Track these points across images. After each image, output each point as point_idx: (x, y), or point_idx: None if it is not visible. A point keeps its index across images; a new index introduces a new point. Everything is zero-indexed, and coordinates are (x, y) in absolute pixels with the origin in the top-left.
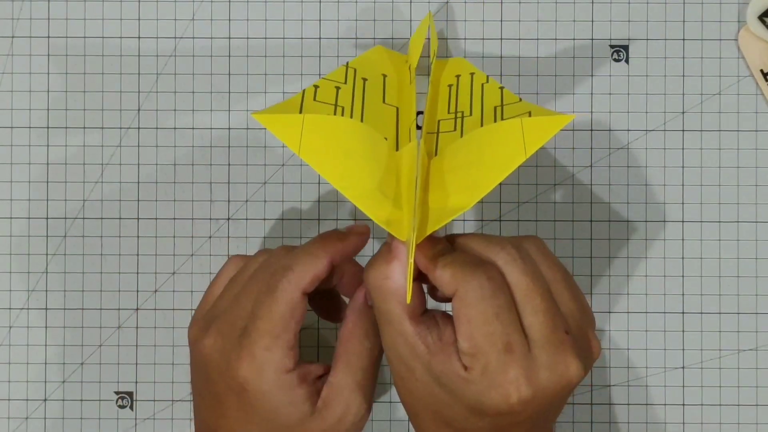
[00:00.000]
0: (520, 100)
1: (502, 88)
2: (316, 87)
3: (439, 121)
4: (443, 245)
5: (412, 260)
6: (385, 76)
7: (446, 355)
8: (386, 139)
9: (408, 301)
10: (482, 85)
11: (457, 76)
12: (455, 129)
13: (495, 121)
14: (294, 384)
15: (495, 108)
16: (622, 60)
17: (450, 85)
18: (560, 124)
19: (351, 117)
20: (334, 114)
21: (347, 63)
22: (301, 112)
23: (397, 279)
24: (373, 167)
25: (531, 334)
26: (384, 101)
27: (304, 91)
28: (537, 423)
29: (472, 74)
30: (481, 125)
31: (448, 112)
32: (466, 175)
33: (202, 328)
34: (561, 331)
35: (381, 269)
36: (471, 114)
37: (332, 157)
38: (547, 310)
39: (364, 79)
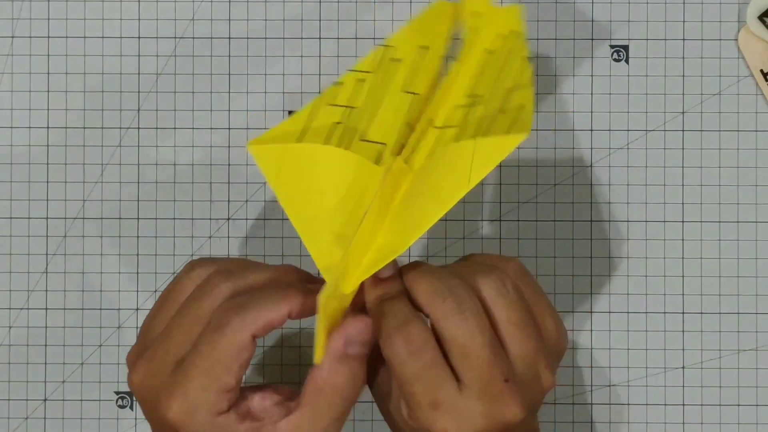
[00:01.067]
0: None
1: (527, 62)
2: (340, 84)
3: (446, 108)
4: (386, 290)
5: (321, 326)
6: (426, 48)
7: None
8: (383, 144)
9: (317, 361)
10: (514, 57)
11: (504, 38)
12: (457, 125)
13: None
14: (231, 423)
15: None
16: (622, 60)
17: (490, 52)
18: (512, 144)
19: (361, 118)
20: (338, 122)
21: (385, 42)
22: (304, 128)
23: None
24: (341, 207)
25: (467, 383)
26: (406, 89)
27: (324, 92)
28: None
29: (514, 35)
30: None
31: (468, 96)
32: (409, 207)
33: (133, 359)
34: (499, 381)
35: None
36: (482, 103)
37: (304, 191)
38: (482, 365)
39: (396, 61)
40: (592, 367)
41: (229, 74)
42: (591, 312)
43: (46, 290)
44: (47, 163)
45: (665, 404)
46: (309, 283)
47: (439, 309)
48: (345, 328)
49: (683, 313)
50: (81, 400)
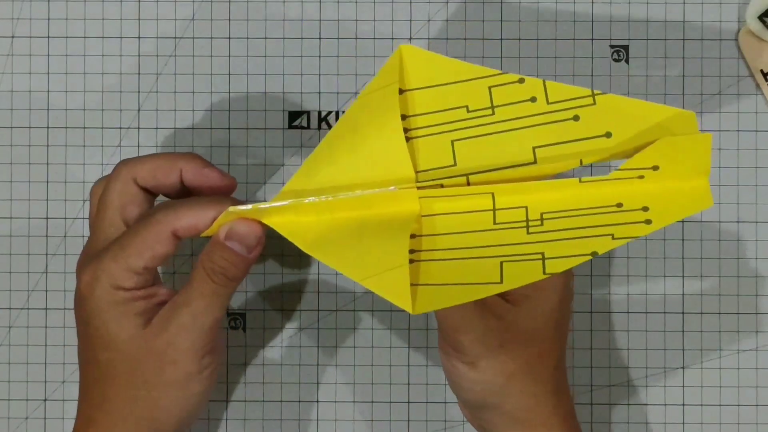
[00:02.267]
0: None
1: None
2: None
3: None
4: None
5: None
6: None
7: None
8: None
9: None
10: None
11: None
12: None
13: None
14: (127, 299)
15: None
16: (622, 60)
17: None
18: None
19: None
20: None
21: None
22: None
23: None
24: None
25: None
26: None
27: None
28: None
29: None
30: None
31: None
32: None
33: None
34: None
35: None
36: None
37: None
38: None
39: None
40: (592, 367)
41: (229, 74)
42: (591, 312)
43: (46, 290)
44: (47, 163)
45: (665, 404)
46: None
47: None
48: (234, 223)
49: (683, 313)
50: None
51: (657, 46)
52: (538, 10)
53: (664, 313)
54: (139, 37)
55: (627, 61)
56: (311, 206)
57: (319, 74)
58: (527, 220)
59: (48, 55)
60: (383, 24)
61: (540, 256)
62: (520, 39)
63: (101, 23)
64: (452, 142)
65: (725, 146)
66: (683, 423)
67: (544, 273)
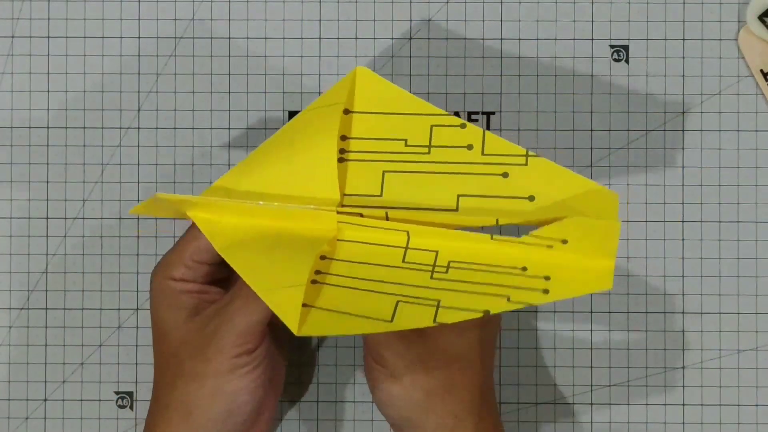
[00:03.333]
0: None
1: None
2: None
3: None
4: None
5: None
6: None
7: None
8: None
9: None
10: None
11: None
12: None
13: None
14: (176, 291)
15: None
16: (622, 60)
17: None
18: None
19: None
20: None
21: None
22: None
23: None
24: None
25: None
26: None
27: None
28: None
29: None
30: None
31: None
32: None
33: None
34: None
35: None
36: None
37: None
38: None
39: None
40: (592, 367)
41: (229, 74)
42: (591, 312)
43: (46, 290)
44: (47, 163)
45: (665, 404)
46: None
47: None
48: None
49: (683, 313)
50: (81, 400)
51: (657, 46)
52: (538, 10)
53: (664, 313)
54: (139, 37)
55: (627, 61)
56: (235, 207)
57: (319, 74)
58: (434, 265)
59: (48, 55)
60: (383, 24)
61: (435, 304)
62: (520, 39)
63: (101, 23)
64: (384, 172)
65: (725, 146)
66: (683, 423)
67: (435, 321)
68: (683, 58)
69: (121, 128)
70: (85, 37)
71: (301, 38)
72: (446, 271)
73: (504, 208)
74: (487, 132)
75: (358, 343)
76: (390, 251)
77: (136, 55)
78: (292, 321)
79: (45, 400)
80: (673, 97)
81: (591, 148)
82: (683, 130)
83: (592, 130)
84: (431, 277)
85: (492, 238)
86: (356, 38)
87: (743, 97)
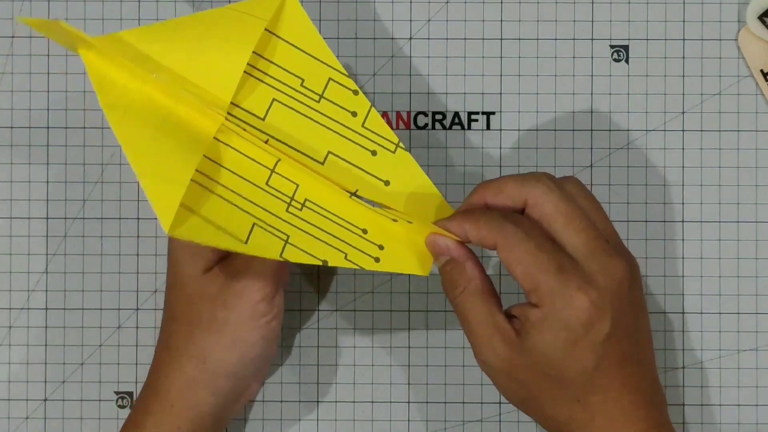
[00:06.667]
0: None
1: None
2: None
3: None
4: (464, 212)
5: None
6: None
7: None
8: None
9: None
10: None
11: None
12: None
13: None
14: (200, 247)
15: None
16: (622, 60)
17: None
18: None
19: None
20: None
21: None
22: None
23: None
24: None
25: (576, 251)
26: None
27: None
28: (626, 333)
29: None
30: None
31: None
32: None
33: None
34: (602, 240)
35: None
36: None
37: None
38: (587, 227)
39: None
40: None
41: None
42: None
43: (46, 290)
44: (47, 163)
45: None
46: None
47: (536, 188)
48: None
49: (683, 313)
50: (81, 400)
51: (657, 46)
52: (538, 10)
53: (664, 313)
54: None
55: (627, 61)
56: (130, 68)
57: None
58: (292, 198)
59: (48, 55)
60: (383, 24)
61: (285, 238)
62: (520, 39)
63: (101, 23)
64: (273, 100)
65: (725, 146)
66: (683, 423)
67: (281, 256)
68: (683, 58)
69: None
70: None
71: None
72: (300, 209)
73: (364, 181)
74: (373, 109)
75: (358, 344)
76: (258, 170)
77: None
78: (166, 219)
79: (45, 400)
80: (673, 97)
81: (591, 148)
82: (683, 130)
83: (592, 130)
84: (286, 210)
85: (350, 196)
86: (356, 38)
87: (743, 97)
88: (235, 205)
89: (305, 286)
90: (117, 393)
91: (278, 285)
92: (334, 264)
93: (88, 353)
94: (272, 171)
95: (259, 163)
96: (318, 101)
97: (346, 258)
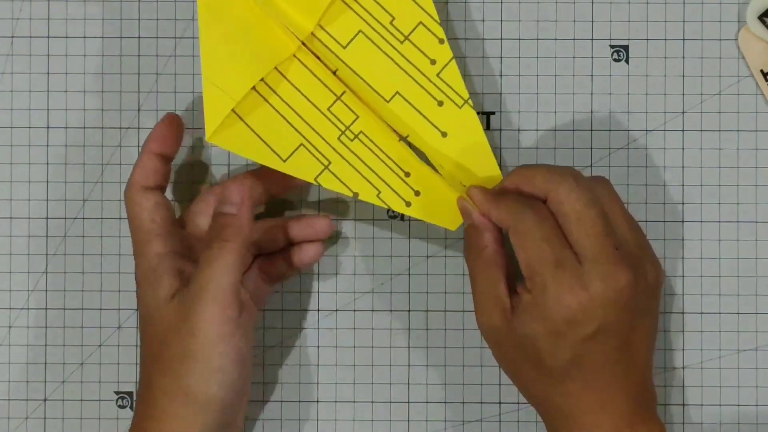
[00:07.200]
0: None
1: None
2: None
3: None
4: (494, 191)
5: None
6: None
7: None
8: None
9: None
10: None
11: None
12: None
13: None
14: (158, 274)
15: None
16: (622, 60)
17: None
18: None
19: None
20: None
21: None
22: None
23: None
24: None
25: (582, 252)
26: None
27: None
28: (614, 337)
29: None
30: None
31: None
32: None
33: None
34: (610, 247)
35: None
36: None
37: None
38: (598, 233)
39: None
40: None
41: None
42: None
43: (46, 290)
44: (47, 163)
45: (665, 404)
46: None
47: (561, 186)
48: (223, 188)
49: (683, 313)
50: (81, 400)
51: (657, 46)
52: (538, 10)
53: (664, 313)
54: (139, 38)
55: (627, 61)
56: None
57: None
58: (347, 128)
59: (48, 55)
60: None
61: (326, 163)
62: (520, 39)
63: (101, 23)
64: (359, 31)
65: (725, 146)
66: (683, 423)
67: (315, 180)
68: (683, 58)
69: (121, 128)
70: (84, 37)
71: None
72: (353, 140)
73: (421, 127)
74: (453, 61)
75: (358, 344)
76: (325, 93)
77: (136, 55)
78: (211, 124)
79: (45, 400)
80: (673, 97)
81: (591, 148)
82: (683, 130)
83: (592, 130)
84: (338, 138)
85: (399, 138)
86: None
87: (743, 97)
88: (288, 121)
89: (305, 286)
90: (117, 393)
91: (240, 305)
92: (365, 198)
93: (88, 353)
94: (338, 98)
95: (327, 87)
96: (402, 42)
97: (378, 195)
